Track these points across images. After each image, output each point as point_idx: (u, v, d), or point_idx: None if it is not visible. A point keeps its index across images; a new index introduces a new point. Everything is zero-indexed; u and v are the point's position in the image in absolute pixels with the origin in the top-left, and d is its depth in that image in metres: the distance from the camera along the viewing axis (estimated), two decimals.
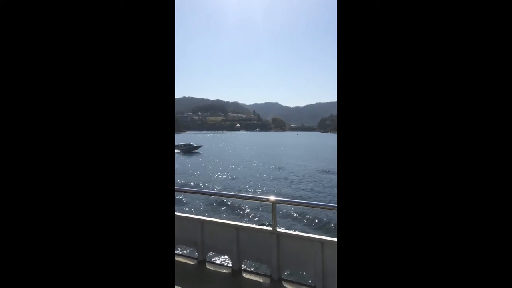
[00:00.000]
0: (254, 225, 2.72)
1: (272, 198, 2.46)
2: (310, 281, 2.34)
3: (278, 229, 2.42)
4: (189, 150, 45.01)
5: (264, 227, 2.59)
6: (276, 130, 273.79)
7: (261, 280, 2.45)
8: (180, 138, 74.87)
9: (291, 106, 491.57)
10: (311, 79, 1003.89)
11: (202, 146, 48.18)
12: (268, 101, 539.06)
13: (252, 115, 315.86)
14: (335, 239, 2.22)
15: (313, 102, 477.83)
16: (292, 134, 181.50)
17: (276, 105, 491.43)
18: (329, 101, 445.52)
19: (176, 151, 43.38)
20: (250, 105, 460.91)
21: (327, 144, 75.19)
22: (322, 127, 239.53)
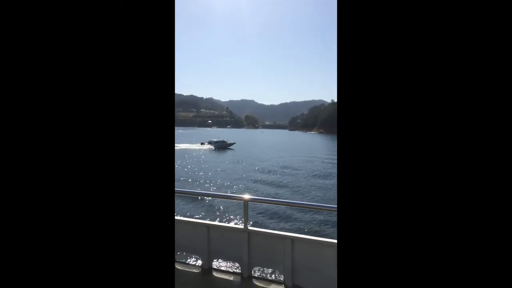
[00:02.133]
0: (225, 224, 2.76)
1: (246, 196, 2.48)
2: (280, 278, 2.41)
3: (249, 227, 2.44)
4: (224, 146, 46.81)
5: (235, 225, 2.64)
6: (249, 127, 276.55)
7: (231, 278, 2.45)
8: None
9: (266, 104, 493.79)
10: (288, 77, 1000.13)
11: (235, 143, 49.67)
12: (244, 98, 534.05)
13: (225, 112, 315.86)
14: (306, 236, 2.30)
15: (288, 101, 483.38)
16: (258, 132, 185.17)
17: (251, 103, 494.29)
18: (303, 100, 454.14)
19: (210, 147, 46.08)
20: (225, 101, 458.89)
21: (281, 140, 78.70)
22: (293, 125, 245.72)
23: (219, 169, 26.27)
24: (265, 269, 2.71)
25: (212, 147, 46.68)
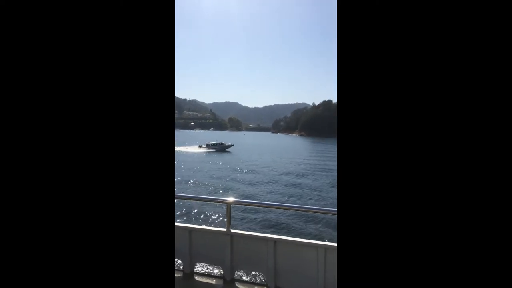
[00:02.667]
0: (207, 227, 2.71)
1: (230, 199, 2.47)
2: (263, 280, 2.38)
3: (232, 230, 2.42)
4: (222, 149, 47.49)
5: (218, 229, 2.60)
6: (232, 130, 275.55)
7: (213, 282, 2.43)
8: None
9: (251, 107, 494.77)
10: (274, 80, 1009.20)
11: (233, 145, 50.60)
12: (228, 100, 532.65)
13: (208, 114, 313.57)
14: (289, 238, 2.32)
15: (272, 104, 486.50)
16: (240, 134, 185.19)
17: (236, 105, 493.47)
18: (287, 103, 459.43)
19: (209, 150, 46.52)
20: (209, 103, 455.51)
21: (262, 143, 79.10)
22: (276, 128, 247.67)
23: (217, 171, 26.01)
24: (248, 272, 2.69)
25: (210, 149, 47.17)
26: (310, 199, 16.66)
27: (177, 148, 45.23)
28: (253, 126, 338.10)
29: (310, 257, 2.16)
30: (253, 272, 2.66)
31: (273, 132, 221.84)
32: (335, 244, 2.15)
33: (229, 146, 49.45)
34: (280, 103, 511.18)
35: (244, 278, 2.58)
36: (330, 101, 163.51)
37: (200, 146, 49.50)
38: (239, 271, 2.51)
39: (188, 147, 49.60)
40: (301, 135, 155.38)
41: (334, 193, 19.04)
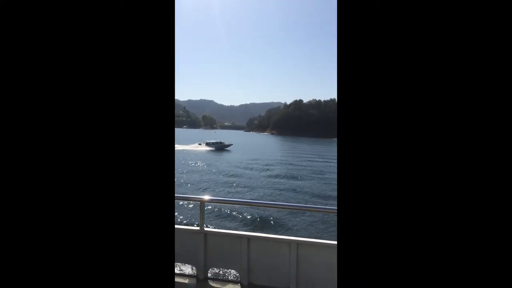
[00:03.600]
0: (180, 226, 2.69)
1: (204, 197, 2.48)
2: (237, 277, 2.40)
3: (205, 228, 2.42)
4: (221, 147, 48.17)
5: (191, 227, 2.59)
6: (206, 128, 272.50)
7: (186, 281, 2.41)
8: None
9: (226, 105, 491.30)
10: (250, 79, 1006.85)
11: (232, 144, 51.13)
12: (203, 98, 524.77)
13: (181, 112, 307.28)
14: (262, 234, 2.35)
15: (248, 102, 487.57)
16: (211, 132, 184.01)
17: (211, 103, 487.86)
18: (263, 102, 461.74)
19: (209, 148, 47.31)
20: (183, 101, 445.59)
21: (232, 141, 79.45)
22: (250, 126, 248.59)
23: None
24: (221, 269, 2.73)
25: (210, 148, 47.75)
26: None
27: (178, 147, 45.55)
28: (228, 124, 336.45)
29: (283, 252, 2.20)
30: (226, 270, 2.67)
31: (246, 131, 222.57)
32: (309, 240, 2.24)
33: (228, 145, 50.22)
34: (256, 101, 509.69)
35: (218, 276, 2.63)
36: (301, 101, 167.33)
37: (199, 144, 50.09)
38: (213, 269, 2.50)
39: (186, 146, 49.48)
40: (272, 133, 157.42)
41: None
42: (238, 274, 2.38)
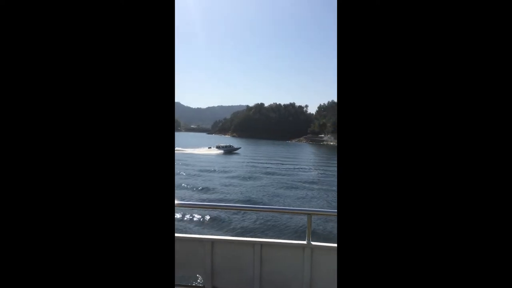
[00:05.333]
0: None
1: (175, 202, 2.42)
2: (200, 282, 2.39)
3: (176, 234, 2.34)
4: (230, 151, 50.63)
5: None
6: None
7: None
8: None
9: (193, 107, 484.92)
10: (219, 81, 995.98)
11: (240, 148, 54.84)
12: None
13: None
14: (226, 237, 2.38)
15: (216, 105, 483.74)
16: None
17: (177, 105, 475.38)
18: (230, 104, 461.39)
19: (220, 152, 49.25)
20: None
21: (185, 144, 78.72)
22: (215, 129, 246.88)
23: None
24: (184, 274, 2.76)
25: (221, 151, 50.11)
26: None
27: (187, 150, 46.83)
28: (194, 127, 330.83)
29: (247, 254, 2.21)
30: (190, 275, 2.65)
31: (208, 133, 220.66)
32: (272, 240, 2.28)
33: (237, 149, 53.71)
34: (223, 104, 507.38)
35: (181, 281, 2.61)
36: (262, 104, 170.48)
37: (209, 148, 51.93)
38: (176, 274, 2.41)
39: (195, 149, 51.27)
40: (233, 136, 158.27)
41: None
42: (201, 279, 2.37)
